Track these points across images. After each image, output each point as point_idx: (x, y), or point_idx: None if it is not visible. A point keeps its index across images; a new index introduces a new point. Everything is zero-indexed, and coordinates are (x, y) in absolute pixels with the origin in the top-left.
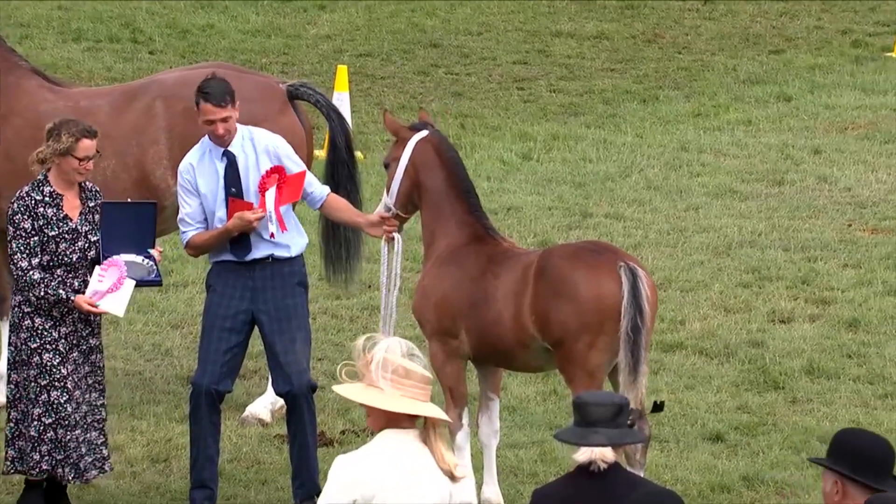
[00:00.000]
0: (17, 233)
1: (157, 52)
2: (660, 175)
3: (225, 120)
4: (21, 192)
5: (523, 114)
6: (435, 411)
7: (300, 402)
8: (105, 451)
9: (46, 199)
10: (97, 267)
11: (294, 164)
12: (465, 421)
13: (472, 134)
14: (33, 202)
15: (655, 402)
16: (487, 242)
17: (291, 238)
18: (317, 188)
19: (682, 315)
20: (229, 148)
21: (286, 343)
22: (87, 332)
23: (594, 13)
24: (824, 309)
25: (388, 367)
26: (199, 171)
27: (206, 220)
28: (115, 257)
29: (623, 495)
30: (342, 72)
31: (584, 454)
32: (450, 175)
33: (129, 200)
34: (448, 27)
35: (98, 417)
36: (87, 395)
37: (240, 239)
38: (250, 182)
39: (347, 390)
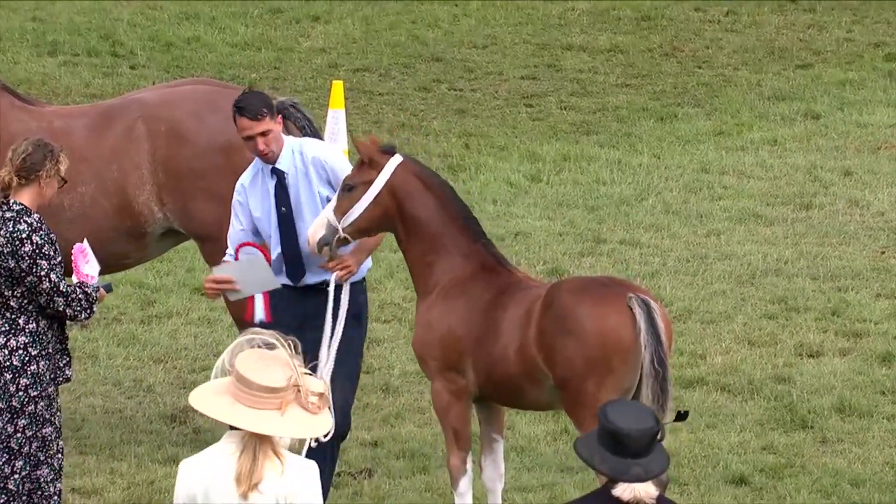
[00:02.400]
0: (53, 263)
1: (139, 66)
2: (678, 198)
3: (264, 134)
4: (33, 218)
5: (532, 132)
6: (263, 427)
7: (331, 444)
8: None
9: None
10: (73, 278)
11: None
12: (468, 466)
13: (478, 154)
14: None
15: (679, 412)
16: (499, 273)
17: (309, 271)
18: None
19: (703, 349)
20: (277, 164)
21: (331, 378)
22: (64, 362)
23: (608, 25)
24: (856, 342)
25: (226, 373)
26: (250, 192)
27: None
28: (74, 254)
29: None
30: (337, 87)
31: (627, 493)
32: (443, 204)
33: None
34: (451, 40)
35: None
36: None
37: (292, 261)
38: (301, 199)
39: (197, 395)
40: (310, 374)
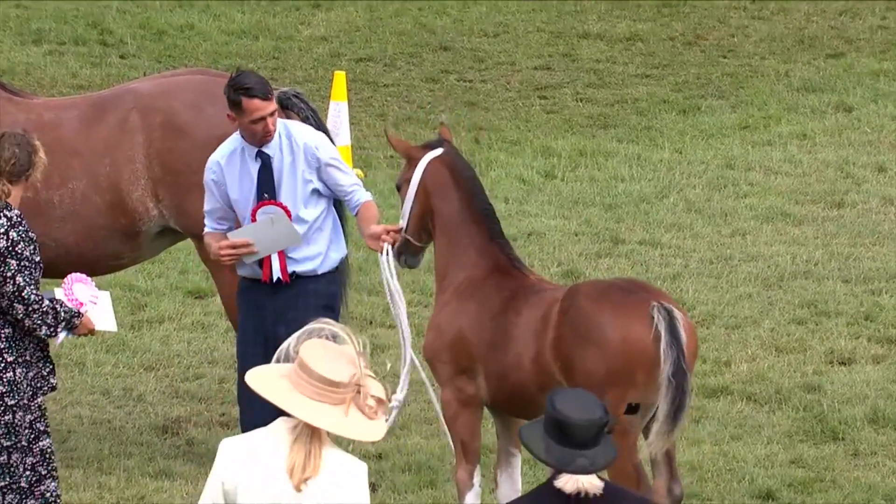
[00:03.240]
0: (22, 263)
1: (128, 55)
2: (702, 196)
3: (273, 114)
4: (14, 213)
5: (546, 126)
6: (319, 420)
7: None
8: None
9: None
10: (59, 290)
11: (339, 169)
12: (475, 481)
13: (488, 149)
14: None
15: (630, 405)
16: (512, 275)
17: (319, 251)
18: (358, 193)
19: (728, 356)
20: (264, 149)
21: None
22: (47, 370)
23: (627, 12)
24: (890, 349)
25: (289, 359)
26: (227, 171)
27: (228, 217)
28: (73, 275)
29: None
30: (340, 78)
31: (570, 484)
32: (466, 198)
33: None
34: (460, 28)
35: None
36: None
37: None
38: (284, 185)
39: (256, 375)
40: (373, 377)
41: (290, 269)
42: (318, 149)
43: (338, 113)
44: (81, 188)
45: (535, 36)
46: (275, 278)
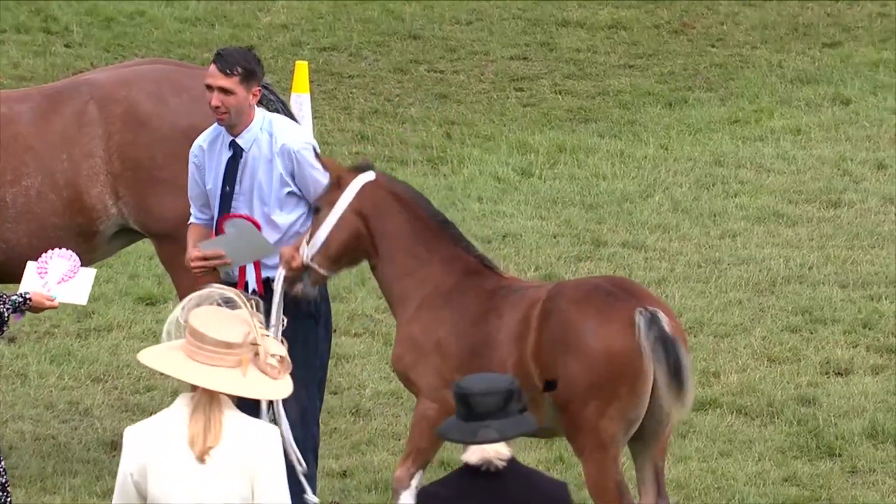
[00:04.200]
0: None
1: (74, 44)
2: (689, 195)
3: (224, 91)
4: None
5: (522, 120)
6: (216, 383)
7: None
8: None
9: None
10: (31, 263)
11: (314, 176)
12: (414, 483)
13: (461, 145)
14: None
15: (548, 381)
16: (486, 276)
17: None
18: None
19: (717, 366)
20: (238, 137)
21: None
22: None
23: None
24: (890, 359)
25: (180, 331)
26: (209, 157)
27: (208, 205)
28: (55, 250)
29: (520, 496)
30: (302, 69)
31: (475, 455)
32: (415, 215)
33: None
34: (431, 15)
35: None
36: None
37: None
38: (254, 183)
39: (148, 351)
40: (270, 336)
41: (265, 274)
42: (298, 152)
43: (299, 106)
44: (36, 186)
45: (511, 23)
46: (250, 289)
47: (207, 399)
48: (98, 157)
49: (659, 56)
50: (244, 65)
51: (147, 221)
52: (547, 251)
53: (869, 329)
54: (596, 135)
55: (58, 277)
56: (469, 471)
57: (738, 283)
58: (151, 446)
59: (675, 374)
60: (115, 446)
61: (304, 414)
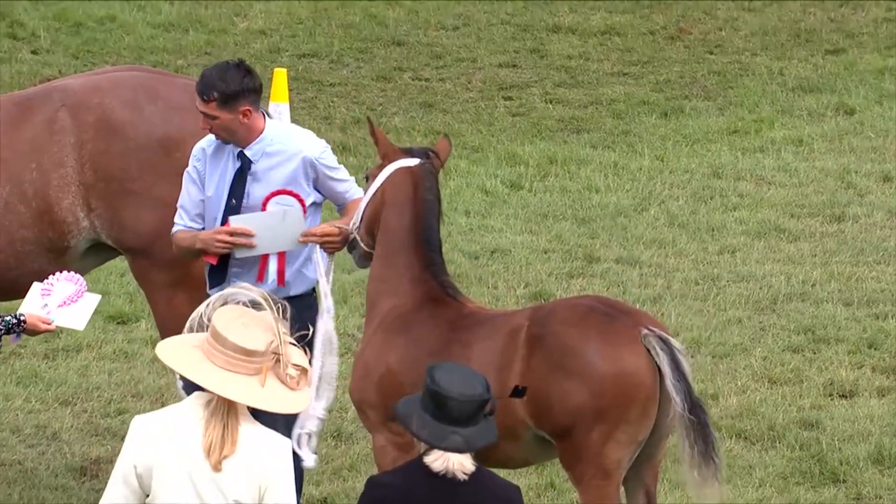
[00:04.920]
0: None
1: (41, 51)
2: (686, 209)
3: (206, 115)
4: None
5: (511, 130)
6: (229, 391)
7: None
8: None
9: None
10: (36, 284)
11: (336, 180)
12: None
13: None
14: None
15: (517, 387)
16: (447, 304)
17: (290, 273)
18: (350, 192)
19: (715, 387)
20: (246, 149)
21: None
22: None
23: (602, 3)
24: None
25: (203, 328)
26: (211, 164)
27: (203, 215)
28: (63, 273)
29: (472, 497)
30: (280, 77)
31: (439, 462)
32: (415, 220)
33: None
34: (415, 20)
35: None
36: None
37: (218, 265)
38: (261, 198)
39: (165, 346)
40: (294, 345)
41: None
42: (317, 160)
43: (278, 115)
44: (4, 196)
45: (500, 29)
46: (269, 280)
47: (225, 406)
48: (69, 166)
49: (654, 63)
50: (221, 88)
51: (120, 235)
52: (537, 267)
53: (874, 349)
54: (588, 146)
55: (60, 300)
56: (423, 466)
57: (738, 301)
58: (161, 445)
59: (689, 398)
60: (84, 472)
61: (289, 426)
